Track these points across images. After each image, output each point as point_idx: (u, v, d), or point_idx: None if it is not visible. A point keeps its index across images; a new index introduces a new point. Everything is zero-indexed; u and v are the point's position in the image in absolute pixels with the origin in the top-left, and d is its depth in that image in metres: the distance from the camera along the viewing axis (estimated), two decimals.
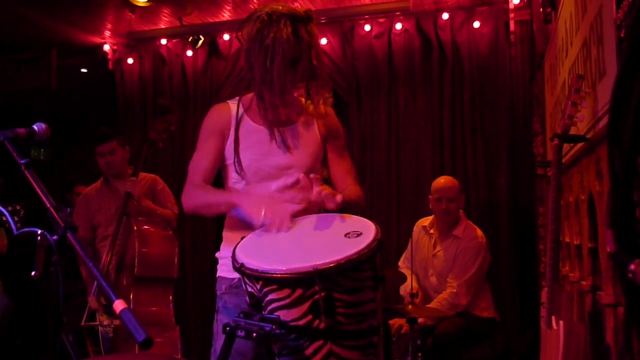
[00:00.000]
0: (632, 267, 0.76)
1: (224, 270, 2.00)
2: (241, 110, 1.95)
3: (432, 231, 3.62)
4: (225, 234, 2.03)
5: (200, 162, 1.97)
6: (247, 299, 1.64)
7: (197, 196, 1.93)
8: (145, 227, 3.44)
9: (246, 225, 1.83)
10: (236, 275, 1.85)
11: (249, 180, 1.93)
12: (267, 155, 1.92)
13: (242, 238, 1.75)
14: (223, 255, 2.03)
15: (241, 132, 1.93)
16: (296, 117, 1.98)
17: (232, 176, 1.96)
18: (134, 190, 3.40)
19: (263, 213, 1.74)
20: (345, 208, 1.87)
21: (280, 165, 1.92)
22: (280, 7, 1.83)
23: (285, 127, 1.95)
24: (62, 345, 1.45)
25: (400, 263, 3.79)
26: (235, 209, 1.84)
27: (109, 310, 3.33)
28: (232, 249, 1.71)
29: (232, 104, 1.98)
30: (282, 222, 1.73)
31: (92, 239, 3.56)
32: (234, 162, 1.92)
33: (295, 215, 1.81)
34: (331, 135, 2.04)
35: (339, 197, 1.76)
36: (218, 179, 2.02)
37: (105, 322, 3.30)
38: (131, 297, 3.31)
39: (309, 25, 1.85)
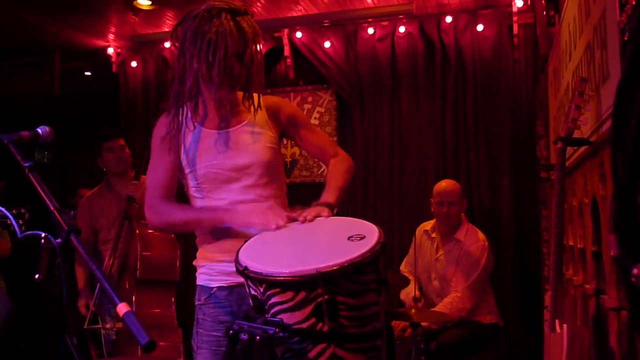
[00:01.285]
0: (635, 271, 0.75)
1: (204, 279, 1.93)
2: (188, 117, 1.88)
3: (434, 235, 3.62)
4: (201, 244, 1.96)
5: (157, 176, 1.91)
6: (250, 302, 1.64)
7: (170, 213, 1.86)
8: (147, 230, 3.45)
9: (227, 234, 1.82)
10: (215, 284, 1.86)
11: (210, 187, 1.87)
12: (221, 158, 1.86)
13: (246, 241, 1.75)
14: (199, 263, 1.97)
15: (192, 140, 1.88)
16: (244, 117, 1.92)
17: (192, 185, 1.90)
18: (135, 194, 3.41)
19: (256, 221, 1.73)
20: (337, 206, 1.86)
21: (238, 166, 1.86)
22: (217, 3, 1.80)
23: (236, 127, 1.90)
24: (65, 348, 1.45)
25: (402, 267, 3.78)
26: (223, 225, 1.81)
27: (96, 319, 3.34)
28: (208, 257, 1.71)
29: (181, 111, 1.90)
30: (276, 218, 1.72)
31: (94, 242, 3.57)
32: (190, 171, 1.88)
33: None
34: (289, 122, 1.99)
35: (325, 213, 1.74)
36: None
37: (108, 325, 3.31)
38: (133, 299, 3.31)
39: (249, 18, 1.82)
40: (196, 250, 1.98)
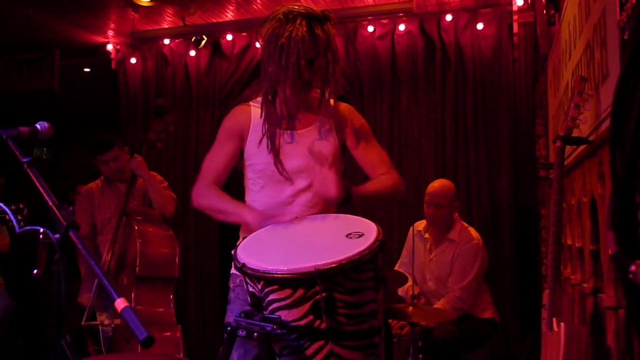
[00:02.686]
0: (633, 268, 0.76)
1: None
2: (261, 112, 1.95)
3: (426, 236, 3.59)
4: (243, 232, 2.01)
5: (214, 162, 1.99)
6: (249, 299, 1.64)
7: (210, 197, 1.95)
8: (146, 226, 3.45)
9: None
10: None
11: (266, 182, 1.94)
12: (282, 158, 1.91)
13: (244, 238, 1.76)
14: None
15: (259, 136, 1.93)
16: (313, 120, 1.97)
17: (250, 176, 1.98)
18: (137, 168, 3.41)
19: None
20: (364, 200, 1.88)
21: (293, 168, 1.91)
22: (297, 7, 1.84)
23: (302, 130, 1.95)
24: (60, 345, 1.45)
25: (396, 268, 3.76)
26: (245, 223, 1.88)
27: (94, 315, 3.34)
28: None
29: (254, 107, 1.98)
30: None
31: (93, 236, 3.57)
32: (250, 164, 1.95)
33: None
34: (351, 132, 2.01)
35: (332, 189, 1.76)
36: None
37: (106, 322, 3.31)
38: (132, 296, 3.31)
39: (326, 24, 1.86)
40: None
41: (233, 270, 2.00)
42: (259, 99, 1.97)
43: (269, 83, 1.87)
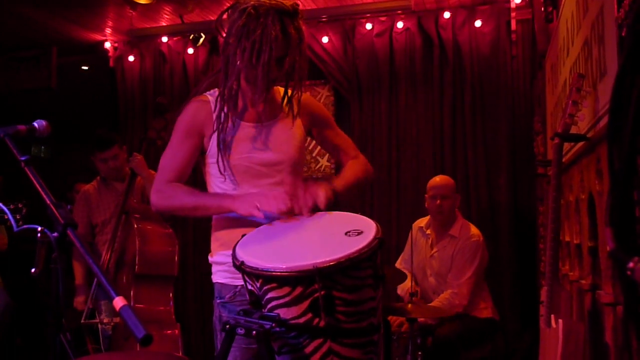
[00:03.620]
0: (631, 264, 0.76)
1: (225, 276, 1.94)
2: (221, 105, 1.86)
3: (428, 232, 3.62)
4: (218, 235, 1.97)
5: (174, 161, 1.88)
6: (247, 297, 1.64)
7: (177, 197, 1.84)
8: (145, 225, 3.45)
9: (240, 223, 1.81)
10: (240, 282, 1.76)
11: (239, 179, 1.86)
12: (254, 152, 1.86)
13: (243, 235, 1.75)
14: (219, 260, 1.97)
15: (226, 131, 1.85)
16: (277, 112, 1.93)
17: (216, 175, 1.88)
18: (137, 167, 3.41)
19: (260, 207, 1.72)
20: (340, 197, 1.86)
21: (269, 162, 1.87)
22: (267, 0, 1.76)
23: (270, 122, 1.91)
24: (60, 343, 1.45)
25: (397, 265, 3.77)
26: (230, 213, 1.81)
27: (94, 313, 3.34)
28: (229, 252, 1.69)
29: (212, 98, 1.89)
30: (279, 203, 1.71)
31: (91, 237, 3.57)
32: (218, 161, 1.85)
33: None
34: (316, 121, 2.01)
35: (322, 194, 1.75)
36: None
37: (105, 320, 3.31)
38: (131, 294, 3.32)
39: (296, 20, 1.80)
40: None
41: (219, 279, 1.98)
42: (216, 90, 1.88)
43: (234, 78, 1.81)
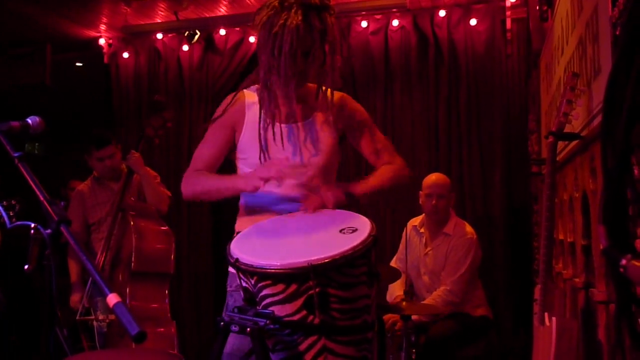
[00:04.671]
0: (624, 262, 0.76)
1: None
2: (256, 101, 1.89)
3: (422, 230, 3.62)
4: (240, 224, 1.97)
5: (204, 152, 1.95)
6: (242, 294, 1.64)
7: (199, 183, 1.90)
8: (142, 222, 3.44)
9: (259, 213, 1.84)
10: None
11: None
12: (282, 152, 1.87)
13: (237, 233, 1.75)
14: None
15: (254, 128, 1.88)
16: (310, 112, 1.92)
17: (245, 170, 1.92)
18: (134, 165, 3.40)
19: (258, 176, 1.73)
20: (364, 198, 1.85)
21: (293, 163, 1.87)
22: None
23: (300, 123, 1.90)
24: (56, 340, 1.45)
25: (392, 263, 3.78)
26: (240, 192, 1.84)
27: (89, 310, 3.33)
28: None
29: (249, 94, 1.92)
30: (277, 173, 1.72)
31: (86, 235, 3.55)
32: (245, 158, 1.90)
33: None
34: (350, 124, 1.98)
35: (329, 197, 1.75)
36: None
37: (101, 317, 3.30)
38: (127, 291, 3.31)
39: (323, 13, 1.77)
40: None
41: (231, 270, 1.96)
42: (255, 86, 1.92)
43: (263, 73, 1.82)
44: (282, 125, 1.88)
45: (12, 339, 4.80)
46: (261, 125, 1.86)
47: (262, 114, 1.87)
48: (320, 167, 1.89)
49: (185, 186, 1.93)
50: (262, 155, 1.86)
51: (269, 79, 1.82)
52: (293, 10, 1.73)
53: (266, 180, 1.73)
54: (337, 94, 1.98)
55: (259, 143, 1.86)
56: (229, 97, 1.96)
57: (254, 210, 1.90)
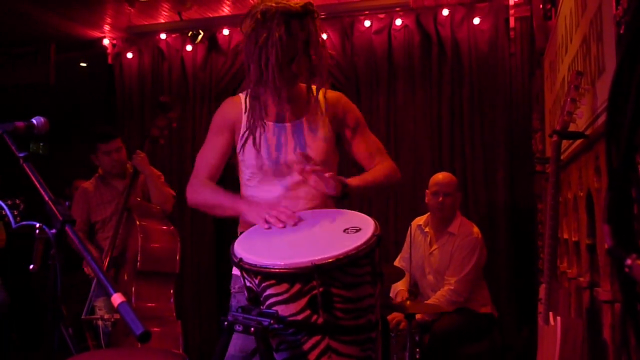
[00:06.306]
0: (629, 261, 0.76)
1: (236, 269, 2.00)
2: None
3: (427, 229, 3.61)
4: (242, 225, 1.99)
5: (207, 157, 1.98)
6: (246, 294, 1.64)
7: (204, 193, 1.93)
8: (148, 222, 3.45)
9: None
10: None
11: (263, 177, 1.92)
12: (277, 151, 1.90)
13: (241, 233, 1.75)
14: None
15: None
16: (302, 112, 1.95)
17: (245, 171, 1.96)
18: (139, 165, 3.41)
19: (266, 220, 1.75)
20: (351, 193, 1.84)
21: (288, 161, 1.90)
22: (275, 4, 1.79)
23: (293, 122, 1.93)
24: (61, 338, 1.45)
25: (396, 263, 3.78)
26: (242, 215, 1.87)
27: (94, 309, 3.34)
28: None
29: (244, 97, 1.96)
30: (287, 219, 1.74)
31: (89, 234, 3.56)
32: (244, 159, 1.93)
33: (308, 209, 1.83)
34: (343, 122, 1.99)
35: (329, 185, 1.76)
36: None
37: (106, 316, 3.31)
38: (133, 291, 3.31)
39: (305, 20, 1.80)
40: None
41: (235, 272, 1.98)
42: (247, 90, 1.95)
43: (253, 84, 1.85)
44: (275, 124, 1.92)
45: (13, 337, 4.82)
46: (251, 126, 1.89)
47: (252, 118, 1.90)
48: (317, 164, 1.88)
49: (189, 192, 1.96)
50: (243, 153, 1.90)
51: (258, 89, 1.86)
52: (275, 22, 1.76)
53: (271, 224, 1.75)
54: (334, 94, 2.01)
55: (253, 146, 1.90)
56: (228, 101, 2.01)
57: None
